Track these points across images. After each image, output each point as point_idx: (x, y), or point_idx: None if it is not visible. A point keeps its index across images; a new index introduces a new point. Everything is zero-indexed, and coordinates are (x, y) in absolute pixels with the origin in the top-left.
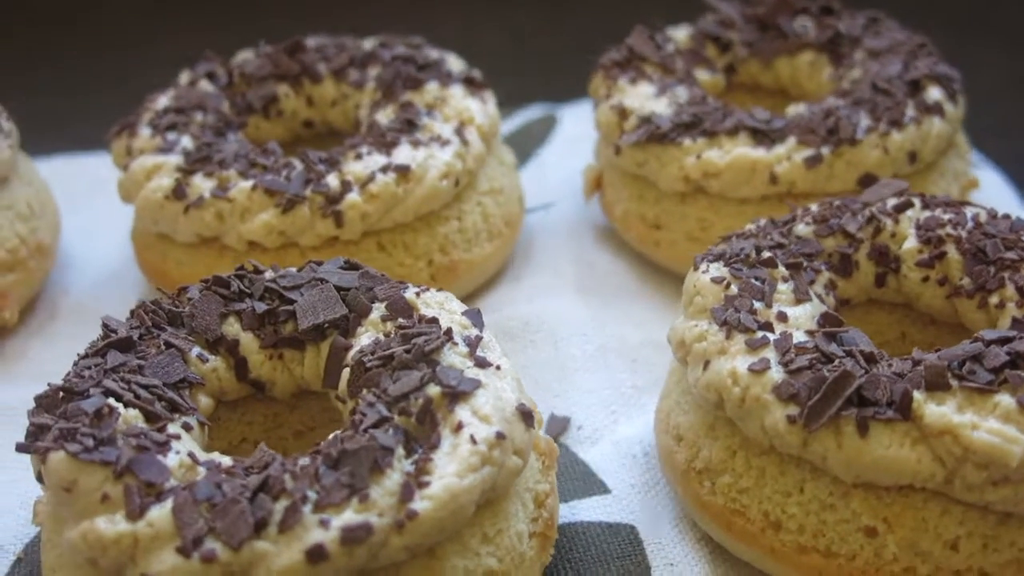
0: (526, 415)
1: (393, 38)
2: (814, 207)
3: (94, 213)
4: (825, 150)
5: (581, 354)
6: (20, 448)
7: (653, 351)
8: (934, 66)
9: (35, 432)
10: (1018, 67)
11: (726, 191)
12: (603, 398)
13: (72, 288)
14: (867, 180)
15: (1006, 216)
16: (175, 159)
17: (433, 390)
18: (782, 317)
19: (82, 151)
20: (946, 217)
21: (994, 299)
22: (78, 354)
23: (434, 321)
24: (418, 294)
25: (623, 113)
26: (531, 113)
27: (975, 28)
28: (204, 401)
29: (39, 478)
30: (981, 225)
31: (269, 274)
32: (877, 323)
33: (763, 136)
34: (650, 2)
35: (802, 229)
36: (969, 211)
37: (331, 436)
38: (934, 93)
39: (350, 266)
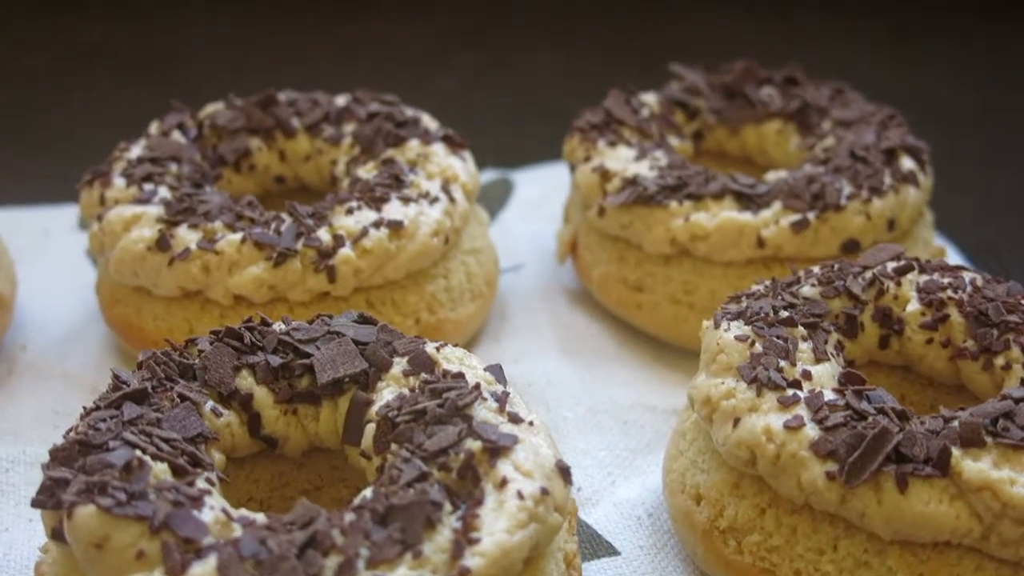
0: (564, 471)
1: (366, 94)
2: (816, 269)
3: (42, 267)
4: (811, 215)
5: (573, 416)
6: (37, 503)
7: (643, 413)
8: (905, 137)
9: (52, 487)
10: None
11: (712, 254)
12: (599, 460)
13: (30, 344)
14: (850, 245)
15: (999, 280)
16: (155, 210)
17: (473, 445)
18: (807, 375)
19: (17, 205)
20: (945, 281)
21: (1000, 361)
22: (84, 407)
23: (460, 376)
24: (438, 349)
25: (605, 175)
26: (485, 177)
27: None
28: (217, 457)
29: (54, 535)
30: (979, 289)
31: (280, 327)
32: (877, 384)
33: (748, 200)
34: (579, 69)
35: (808, 290)
36: (966, 275)
37: (367, 491)
38: (907, 163)
39: (365, 320)
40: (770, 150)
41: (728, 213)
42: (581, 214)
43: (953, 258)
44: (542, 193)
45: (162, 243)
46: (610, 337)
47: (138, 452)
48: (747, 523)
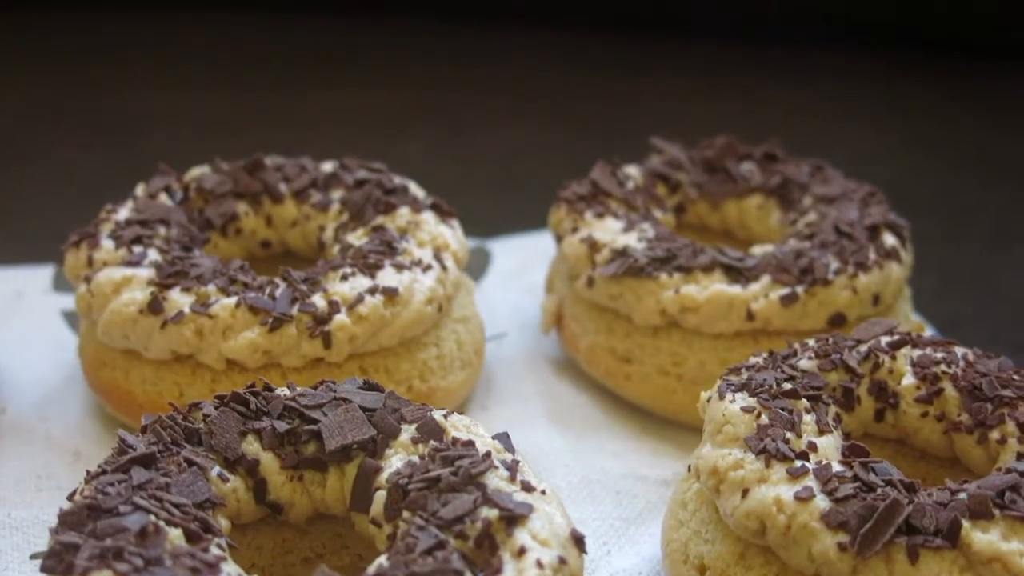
0: (579, 540)
1: (353, 161)
2: (811, 342)
3: (17, 328)
4: (799, 289)
5: (566, 485)
6: (46, 568)
7: (634, 483)
8: (886, 214)
9: (61, 551)
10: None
11: (702, 326)
12: (593, 530)
13: (10, 406)
14: (837, 319)
15: (989, 355)
16: (146, 273)
17: (490, 513)
18: (812, 447)
19: None
20: (938, 355)
21: (995, 435)
22: (88, 471)
23: (470, 444)
24: (445, 416)
25: (594, 246)
26: None
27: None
28: (224, 523)
29: None
30: (972, 364)
31: (285, 392)
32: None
33: (737, 273)
34: (539, 141)
35: (806, 363)
36: (958, 350)
37: (382, 559)
38: (890, 239)
39: (371, 387)
40: (751, 224)
41: (718, 286)
42: (567, 284)
43: (928, 333)
44: (521, 262)
45: (154, 306)
46: (597, 407)
47: (152, 517)
48: None
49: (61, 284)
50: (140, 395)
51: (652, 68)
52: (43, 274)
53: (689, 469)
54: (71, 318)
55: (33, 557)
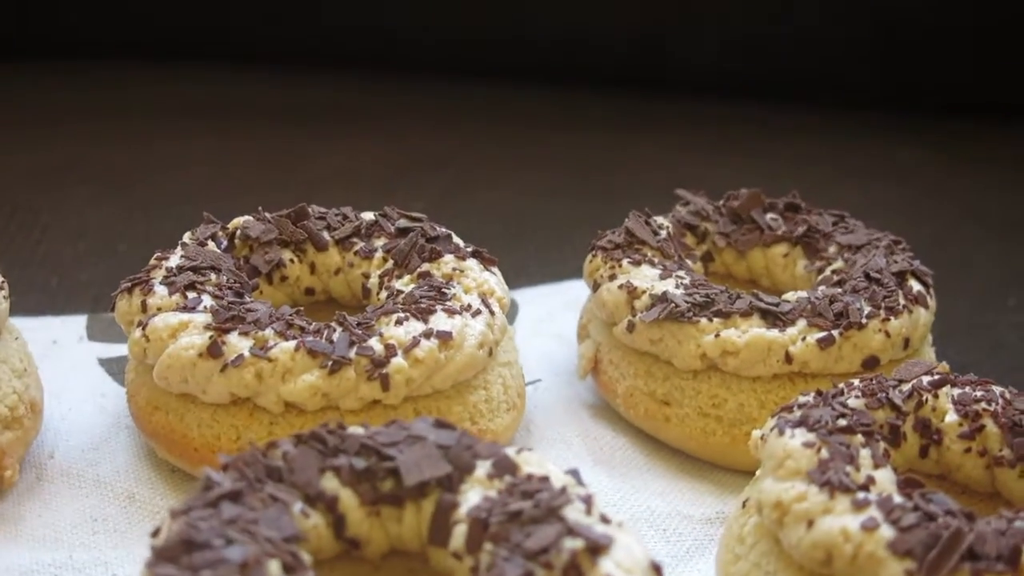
0: (658, 569)
1: (393, 210)
2: (856, 382)
3: (55, 376)
4: (835, 333)
5: None
6: None
7: (680, 522)
8: (911, 261)
9: None
10: None
11: (741, 369)
12: None
13: (57, 451)
14: (870, 362)
15: (1022, 393)
16: (202, 318)
17: (574, 543)
18: (871, 480)
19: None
20: (977, 394)
21: None
22: (171, 510)
23: (546, 479)
24: (517, 452)
25: (633, 292)
26: None
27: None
28: (307, 558)
29: None
30: (1010, 402)
31: (359, 431)
32: None
33: (774, 318)
34: (540, 195)
35: (854, 402)
36: (995, 388)
37: None
38: (916, 285)
39: (442, 424)
40: (777, 273)
41: (756, 330)
42: (602, 330)
43: None
44: (546, 311)
45: (213, 350)
46: (637, 449)
47: (251, 549)
48: None
49: (95, 333)
50: (196, 438)
51: (650, 124)
52: (76, 322)
53: (744, 505)
54: (109, 365)
55: None
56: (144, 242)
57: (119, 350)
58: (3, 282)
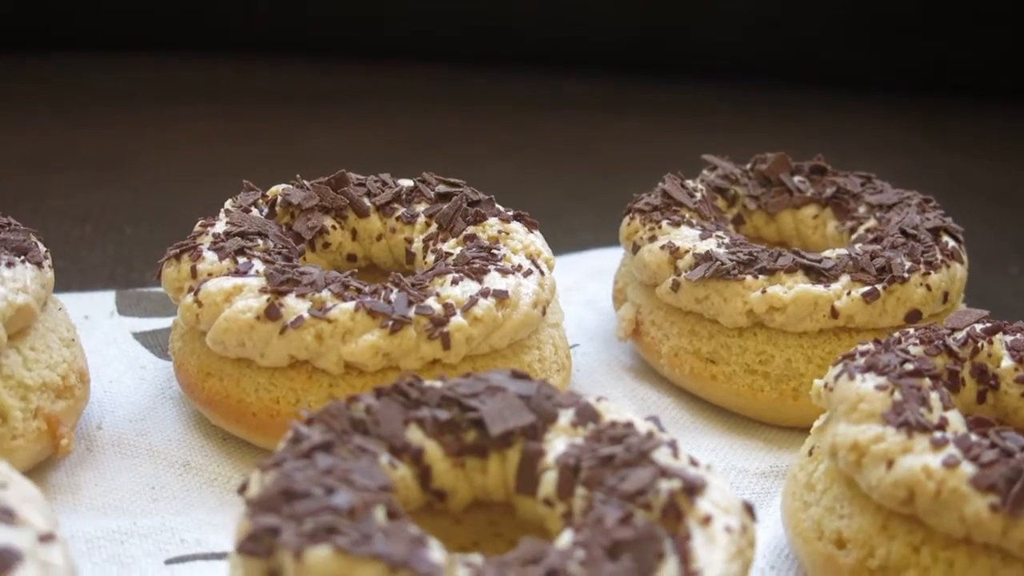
0: (750, 509)
1: (431, 176)
2: (912, 331)
3: (92, 350)
4: (879, 287)
5: None
6: (247, 550)
7: (737, 476)
8: (943, 218)
9: (261, 534)
10: None
11: (787, 325)
12: None
13: (105, 422)
14: (913, 315)
15: None
16: (256, 281)
17: (671, 484)
18: (944, 420)
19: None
20: None
21: None
22: (260, 464)
23: (631, 425)
24: (598, 400)
25: (676, 252)
26: None
27: None
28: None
29: None
30: None
31: (436, 384)
32: None
33: (818, 274)
34: (530, 173)
35: (913, 349)
36: None
37: (566, 534)
38: (950, 241)
39: (519, 375)
40: (807, 234)
41: (802, 286)
42: (642, 293)
43: None
44: (573, 280)
45: (272, 312)
46: (682, 408)
47: (357, 496)
48: (901, 560)
49: (125, 308)
50: (254, 403)
51: (638, 106)
52: (105, 298)
53: (809, 453)
54: (144, 338)
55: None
56: (152, 223)
57: (152, 324)
58: (47, 251)
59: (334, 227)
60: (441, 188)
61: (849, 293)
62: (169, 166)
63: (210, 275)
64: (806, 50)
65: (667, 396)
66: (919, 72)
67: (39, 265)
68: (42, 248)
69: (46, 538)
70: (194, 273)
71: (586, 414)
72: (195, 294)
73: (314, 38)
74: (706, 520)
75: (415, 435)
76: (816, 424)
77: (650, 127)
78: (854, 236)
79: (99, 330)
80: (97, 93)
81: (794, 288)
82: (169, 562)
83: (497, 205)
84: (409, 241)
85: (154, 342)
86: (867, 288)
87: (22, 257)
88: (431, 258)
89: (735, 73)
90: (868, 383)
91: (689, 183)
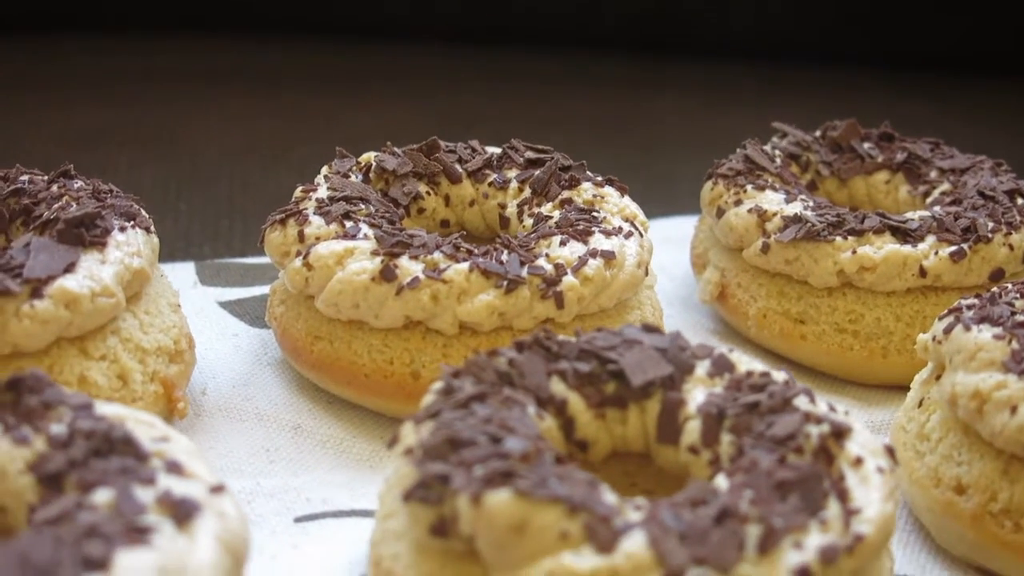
0: (891, 451)
1: (520, 143)
2: (1010, 286)
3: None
4: (965, 247)
5: None
6: (417, 497)
7: None
8: (1017, 180)
9: (431, 482)
10: None
11: (876, 284)
12: None
13: (208, 388)
14: (997, 274)
15: None
16: (366, 244)
17: (820, 428)
18: None
19: None
20: None
21: None
22: (414, 416)
23: (767, 374)
24: (730, 351)
25: (764, 215)
26: None
27: None
28: None
29: (434, 531)
30: None
31: (570, 338)
32: None
33: (904, 235)
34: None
35: (1019, 302)
36: None
37: (719, 479)
38: None
39: (650, 329)
40: (879, 199)
41: (891, 246)
42: (726, 256)
43: None
44: None
45: (387, 273)
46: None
47: (530, 442)
48: None
49: (206, 279)
50: (367, 364)
51: (663, 84)
52: (185, 269)
53: (920, 405)
54: (231, 307)
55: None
56: (204, 199)
57: (236, 293)
58: (150, 218)
59: (428, 193)
60: (530, 154)
61: (936, 253)
62: (207, 144)
63: (318, 239)
64: (833, 29)
65: (754, 358)
66: (946, 49)
67: (148, 230)
68: (145, 214)
69: (216, 489)
70: (301, 237)
71: (722, 364)
72: (304, 257)
73: (355, 18)
74: (857, 462)
75: (558, 387)
76: (919, 377)
77: (688, 106)
78: (929, 199)
79: (185, 299)
80: (137, 73)
81: (884, 248)
82: (299, 520)
83: (588, 170)
84: (502, 206)
85: (242, 311)
86: (954, 248)
87: (132, 222)
88: (528, 222)
89: (765, 53)
90: (985, 333)
91: (767, 148)
